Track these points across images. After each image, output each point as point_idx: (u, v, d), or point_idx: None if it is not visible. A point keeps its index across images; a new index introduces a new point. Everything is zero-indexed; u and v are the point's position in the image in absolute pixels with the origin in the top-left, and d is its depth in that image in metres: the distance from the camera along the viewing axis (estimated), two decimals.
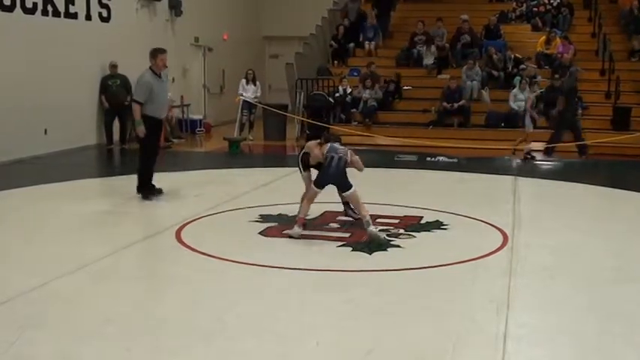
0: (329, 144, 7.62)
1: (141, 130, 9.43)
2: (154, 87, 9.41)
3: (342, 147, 7.64)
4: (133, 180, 11.13)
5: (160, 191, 9.66)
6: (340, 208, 8.16)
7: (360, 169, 7.73)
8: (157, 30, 17.78)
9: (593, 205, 9.91)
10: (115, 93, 15.33)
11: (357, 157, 7.70)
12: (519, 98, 16.46)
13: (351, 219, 7.95)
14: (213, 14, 20.60)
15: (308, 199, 7.52)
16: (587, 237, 7.68)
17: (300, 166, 7.84)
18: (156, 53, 9.65)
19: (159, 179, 10.25)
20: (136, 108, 9.47)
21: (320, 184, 7.46)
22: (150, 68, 9.57)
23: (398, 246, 7.07)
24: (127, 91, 15.67)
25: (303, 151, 7.89)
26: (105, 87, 15.38)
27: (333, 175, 7.42)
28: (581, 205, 9.82)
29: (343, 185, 7.47)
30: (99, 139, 15.48)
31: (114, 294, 5.58)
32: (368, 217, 7.23)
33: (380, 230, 7.34)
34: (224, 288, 5.82)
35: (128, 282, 5.92)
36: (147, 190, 9.55)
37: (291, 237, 7.24)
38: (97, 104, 15.49)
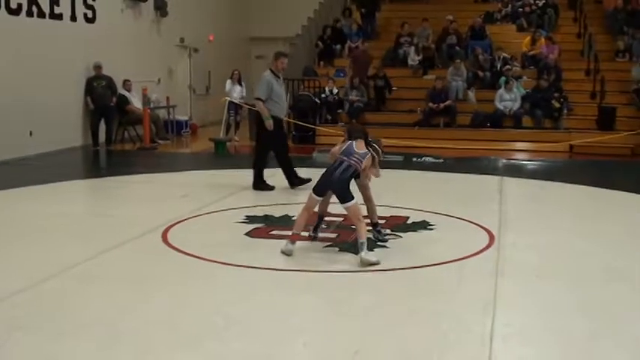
0: (349, 142, 6.86)
1: (269, 123, 9.87)
2: (275, 86, 9.83)
3: (364, 151, 6.81)
4: (118, 182, 11.16)
5: (271, 187, 10.04)
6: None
7: (375, 176, 7.11)
8: (143, 31, 17.78)
9: (579, 205, 9.95)
10: (100, 94, 15.32)
11: (375, 164, 6.94)
12: (505, 98, 16.58)
13: (338, 220, 7.89)
14: (198, 15, 20.57)
15: (305, 208, 6.80)
16: (574, 237, 7.72)
17: None
18: (278, 56, 10.09)
19: (146, 180, 10.21)
20: (259, 104, 9.97)
21: (317, 190, 6.76)
22: (270, 69, 9.98)
23: (384, 246, 7.09)
24: (112, 92, 15.69)
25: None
26: (90, 88, 15.35)
27: (333, 181, 6.67)
28: (567, 204, 9.87)
29: (341, 196, 6.66)
30: (85, 141, 15.44)
31: (100, 296, 5.56)
32: (364, 240, 6.52)
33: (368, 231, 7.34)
34: (211, 289, 5.81)
35: (114, 284, 5.90)
36: (263, 185, 10.05)
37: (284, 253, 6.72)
38: (82, 105, 15.46)
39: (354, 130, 7.08)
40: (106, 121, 15.54)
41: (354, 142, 6.85)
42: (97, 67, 15.41)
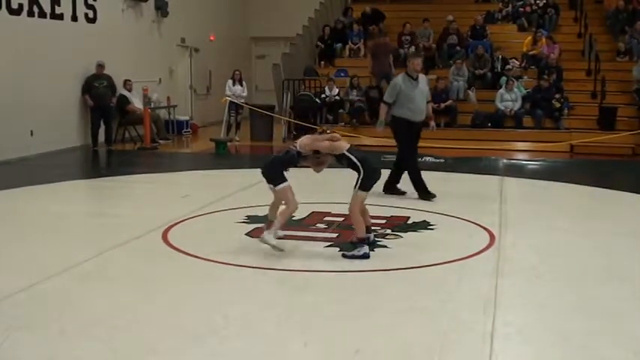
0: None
1: (379, 130, 9.83)
2: (403, 89, 9.48)
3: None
4: (119, 182, 11.16)
5: (403, 192, 9.76)
6: (326, 208, 8.11)
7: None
8: (143, 31, 17.79)
9: (580, 205, 9.96)
10: (101, 94, 15.27)
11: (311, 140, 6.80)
12: (506, 98, 16.59)
13: (339, 220, 7.90)
14: (199, 15, 20.60)
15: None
16: (574, 236, 7.72)
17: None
18: (409, 57, 9.91)
19: (147, 180, 10.20)
20: (381, 107, 9.83)
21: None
22: (405, 71, 9.69)
23: (385, 246, 7.09)
24: (113, 92, 15.66)
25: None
26: (89, 87, 15.27)
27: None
28: (567, 204, 9.87)
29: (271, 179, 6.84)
30: (85, 141, 15.44)
31: (100, 296, 5.57)
32: (277, 225, 6.72)
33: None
34: (211, 289, 5.81)
35: (114, 284, 5.91)
36: (425, 192, 9.64)
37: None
38: (82, 105, 15.41)
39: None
40: (106, 121, 15.52)
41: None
42: (100, 67, 15.36)
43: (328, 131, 6.96)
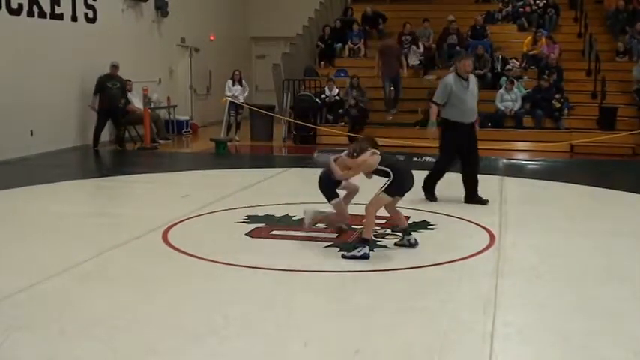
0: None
1: (430, 132, 9.57)
2: (454, 89, 9.21)
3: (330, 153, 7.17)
4: (119, 182, 11.16)
5: (433, 198, 9.56)
6: (326, 208, 8.07)
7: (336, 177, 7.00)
8: (143, 31, 17.80)
9: (579, 205, 9.95)
10: (114, 95, 15.14)
11: (339, 161, 6.93)
12: (505, 98, 16.60)
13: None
14: (199, 15, 20.61)
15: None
16: (574, 236, 7.72)
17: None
18: (461, 58, 9.61)
19: (147, 180, 10.17)
20: (431, 108, 9.57)
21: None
22: (455, 71, 9.44)
23: (385, 246, 7.09)
24: (123, 93, 15.56)
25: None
26: (103, 87, 15.14)
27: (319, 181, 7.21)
28: (567, 204, 9.86)
29: (324, 194, 7.19)
30: (85, 141, 15.41)
31: (100, 296, 5.57)
32: (322, 215, 7.31)
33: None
34: (211, 289, 5.81)
35: (114, 284, 5.90)
36: (430, 194, 9.55)
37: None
38: (84, 105, 15.33)
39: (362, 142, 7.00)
40: (115, 122, 15.47)
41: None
42: (114, 67, 15.24)
43: (356, 154, 6.85)
